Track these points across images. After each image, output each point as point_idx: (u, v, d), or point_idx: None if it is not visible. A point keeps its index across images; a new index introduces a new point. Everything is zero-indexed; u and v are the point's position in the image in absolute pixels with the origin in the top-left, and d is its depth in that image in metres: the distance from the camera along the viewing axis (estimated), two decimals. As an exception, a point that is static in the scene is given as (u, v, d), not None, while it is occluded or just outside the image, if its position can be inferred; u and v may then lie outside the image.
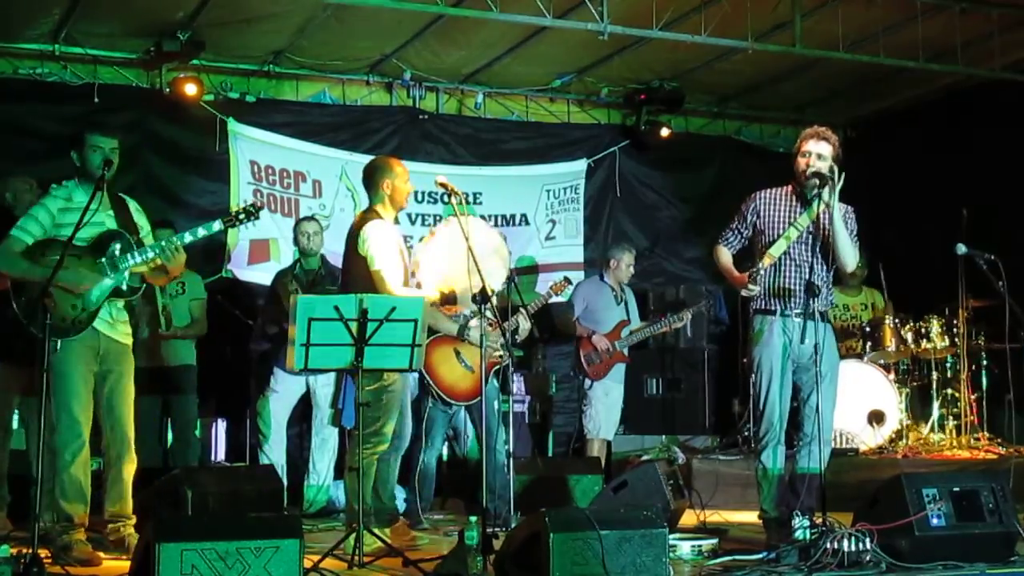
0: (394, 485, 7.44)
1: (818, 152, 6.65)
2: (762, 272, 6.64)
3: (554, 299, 9.51)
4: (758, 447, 6.79)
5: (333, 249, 9.49)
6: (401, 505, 8.15)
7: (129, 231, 6.56)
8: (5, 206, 8.01)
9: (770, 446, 6.67)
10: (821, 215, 6.58)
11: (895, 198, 12.04)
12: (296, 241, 9.27)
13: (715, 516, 7.92)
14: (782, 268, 6.69)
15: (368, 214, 7.05)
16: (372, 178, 7.09)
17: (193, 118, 10.72)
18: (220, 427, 10.05)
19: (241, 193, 10.87)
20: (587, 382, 9.86)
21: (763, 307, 6.74)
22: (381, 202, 7.05)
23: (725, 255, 6.99)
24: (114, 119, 10.34)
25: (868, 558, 5.80)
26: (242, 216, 6.77)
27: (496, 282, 7.48)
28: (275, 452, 8.90)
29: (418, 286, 7.34)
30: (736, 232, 6.95)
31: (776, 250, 6.66)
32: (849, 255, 6.65)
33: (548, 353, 11.73)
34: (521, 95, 12.27)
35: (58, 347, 6.22)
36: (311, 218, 9.47)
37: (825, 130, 6.74)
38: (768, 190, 6.87)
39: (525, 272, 11.62)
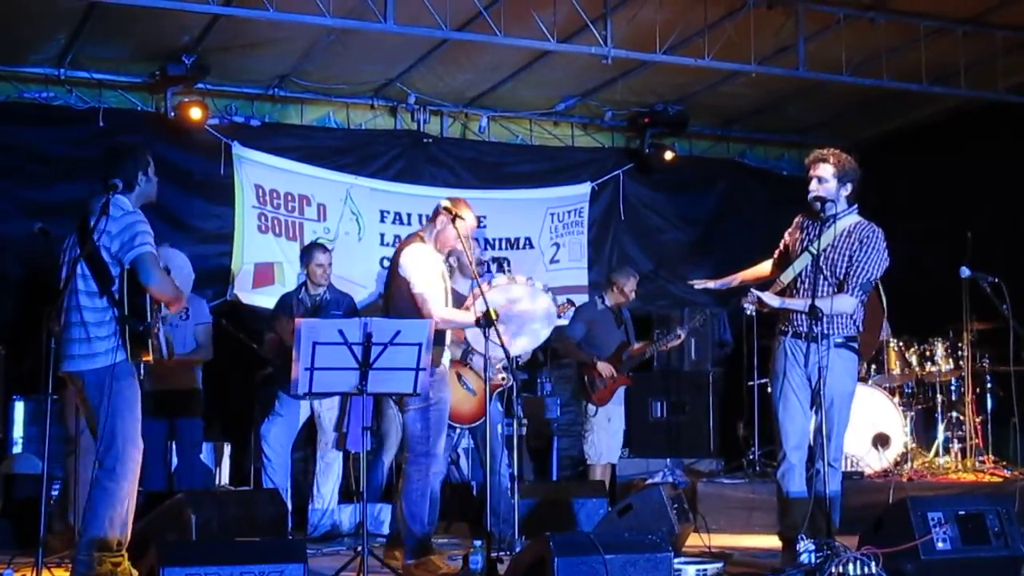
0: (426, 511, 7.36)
1: (818, 176, 6.70)
2: (750, 298, 6.70)
3: (556, 321, 9.49)
4: (775, 468, 6.83)
5: (339, 274, 9.51)
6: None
7: None
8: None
9: (782, 467, 6.69)
10: (829, 243, 6.60)
11: (898, 220, 11.99)
12: (305, 268, 9.19)
13: (720, 540, 7.90)
14: (792, 291, 6.73)
15: (411, 238, 7.17)
16: (435, 211, 7.17)
17: (198, 142, 10.75)
18: (225, 451, 10.04)
19: (245, 217, 10.89)
20: (591, 408, 9.84)
21: (777, 329, 6.78)
22: (430, 233, 7.13)
23: (760, 265, 7.14)
24: (119, 143, 10.39)
25: (873, 582, 5.80)
26: None
27: (531, 344, 7.50)
28: (279, 476, 8.87)
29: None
30: (779, 253, 7.04)
31: (785, 277, 6.75)
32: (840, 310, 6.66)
33: (552, 376, 11.72)
34: (525, 118, 12.30)
35: (141, 373, 6.16)
36: (324, 248, 9.33)
37: (823, 151, 6.78)
38: (801, 215, 6.90)
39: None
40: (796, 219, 6.92)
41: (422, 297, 6.85)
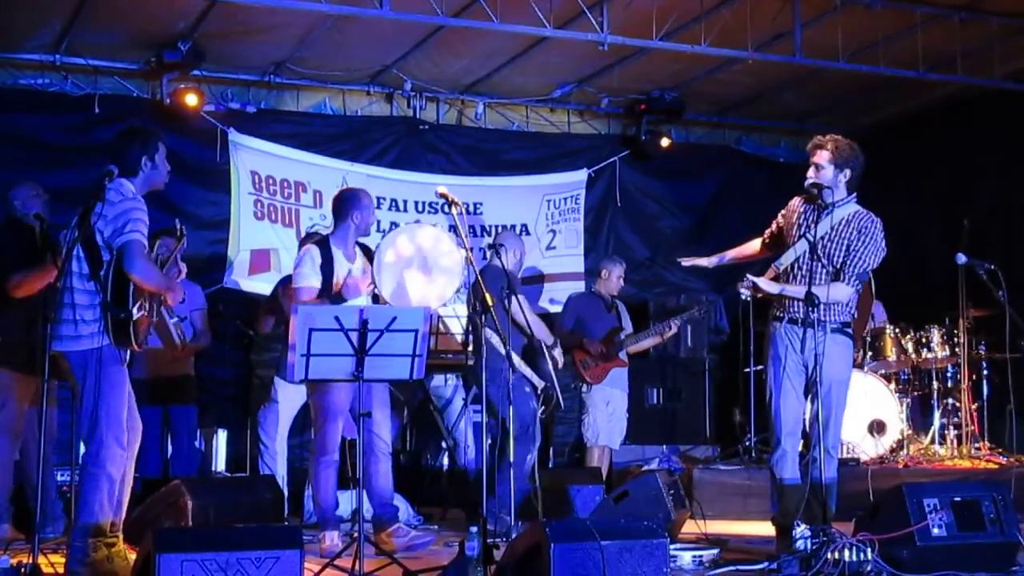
0: (384, 490, 7.37)
1: (816, 163, 6.67)
2: (745, 283, 6.70)
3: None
4: (769, 454, 6.82)
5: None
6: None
7: None
8: (14, 215, 7.99)
9: (776, 453, 6.68)
10: (829, 230, 6.60)
11: (895, 207, 12.00)
12: None
13: (716, 526, 7.91)
14: (789, 277, 6.72)
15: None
16: (339, 208, 7.44)
17: (194, 128, 10.72)
18: (220, 437, 10.04)
19: (241, 203, 10.88)
20: (585, 388, 9.86)
21: (772, 315, 6.77)
22: (346, 230, 7.35)
23: (750, 244, 7.19)
24: (114, 129, 10.34)
25: (869, 568, 5.79)
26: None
27: (435, 298, 7.43)
28: (275, 462, 8.89)
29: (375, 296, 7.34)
30: (770, 232, 7.03)
31: (782, 263, 6.75)
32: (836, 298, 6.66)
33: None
34: (521, 105, 12.28)
35: (125, 359, 6.12)
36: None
37: (822, 137, 6.74)
38: (798, 198, 6.87)
39: (527, 283, 11.63)
40: (793, 202, 6.89)
41: (294, 292, 7.17)
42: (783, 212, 6.94)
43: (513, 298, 7.79)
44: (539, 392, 8.35)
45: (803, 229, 6.71)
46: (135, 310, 6.03)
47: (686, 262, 7.43)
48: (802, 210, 6.79)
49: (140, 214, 6.06)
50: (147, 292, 6.14)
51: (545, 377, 8.44)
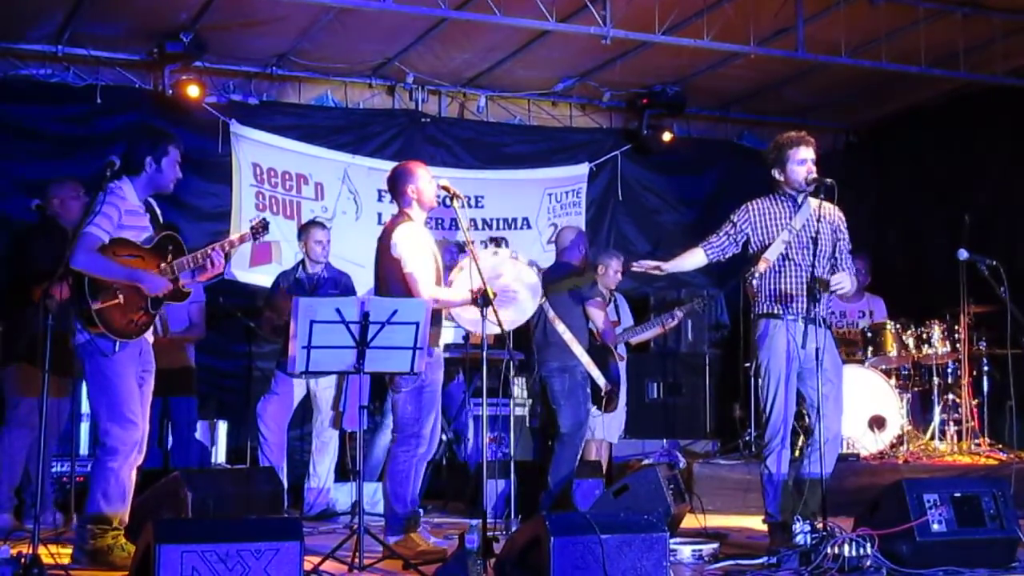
0: (416, 490, 7.34)
1: (812, 158, 6.73)
2: (757, 276, 6.70)
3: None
4: (764, 451, 6.80)
5: (336, 253, 9.49)
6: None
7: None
8: (50, 213, 7.95)
9: (776, 450, 6.68)
10: (814, 219, 6.61)
11: (897, 203, 12.03)
12: (304, 245, 9.17)
13: (716, 520, 7.92)
14: (784, 272, 6.72)
15: (399, 218, 7.10)
16: (396, 186, 7.15)
17: (195, 120, 10.70)
18: (220, 429, 10.05)
19: (243, 196, 10.88)
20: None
21: (767, 311, 6.76)
22: (409, 206, 7.09)
23: (690, 253, 7.22)
24: (116, 120, 10.38)
25: (869, 563, 5.81)
26: (259, 233, 6.97)
27: (518, 317, 7.41)
28: (275, 454, 8.88)
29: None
30: (728, 237, 6.99)
31: (770, 255, 6.72)
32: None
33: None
34: (523, 99, 12.27)
35: (116, 349, 6.12)
36: (322, 225, 9.28)
37: (804, 135, 6.83)
38: (760, 199, 6.94)
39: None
40: (756, 203, 6.93)
41: (412, 277, 6.81)
42: (742, 216, 6.97)
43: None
44: (602, 393, 8.39)
45: (783, 223, 6.76)
46: (98, 302, 6.05)
47: (638, 267, 7.44)
48: (777, 208, 6.83)
49: (110, 208, 6.11)
50: (119, 284, 6.14)
51: (612, 379, 8.48)
